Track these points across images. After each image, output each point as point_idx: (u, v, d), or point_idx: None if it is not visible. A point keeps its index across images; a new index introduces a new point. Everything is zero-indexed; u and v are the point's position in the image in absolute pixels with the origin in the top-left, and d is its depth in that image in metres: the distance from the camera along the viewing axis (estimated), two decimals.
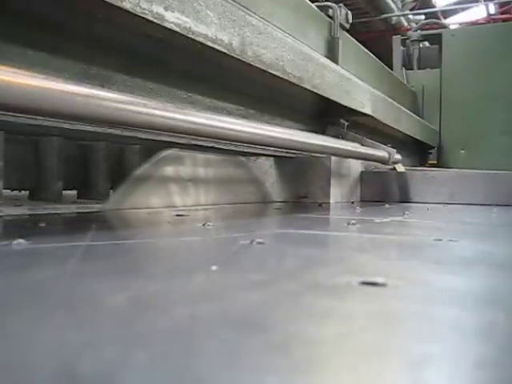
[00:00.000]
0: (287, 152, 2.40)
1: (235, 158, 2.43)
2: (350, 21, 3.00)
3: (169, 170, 2.01)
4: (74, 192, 2.44)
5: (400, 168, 3.15)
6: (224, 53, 1.58)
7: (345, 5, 3.04)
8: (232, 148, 2.05)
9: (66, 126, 1.45)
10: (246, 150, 2.28)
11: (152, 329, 0.44)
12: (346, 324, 0.47)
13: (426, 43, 5.98)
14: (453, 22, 9.72)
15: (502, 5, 9.22)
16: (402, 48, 5.64)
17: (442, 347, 0.42)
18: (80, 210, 1.85)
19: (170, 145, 1.96)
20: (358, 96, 2.73)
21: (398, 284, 0.64)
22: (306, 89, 2.18)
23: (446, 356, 0.40)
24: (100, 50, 1.43)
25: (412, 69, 5.55)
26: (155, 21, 1.29)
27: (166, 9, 1.31)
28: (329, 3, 2.96)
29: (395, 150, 3.01)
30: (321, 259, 0.89)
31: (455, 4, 10.43)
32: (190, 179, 2.10)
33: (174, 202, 2.00)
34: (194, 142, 1.87)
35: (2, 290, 0.58)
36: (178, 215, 1.64)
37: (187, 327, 0.45)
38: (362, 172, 3.05)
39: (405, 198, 2.95)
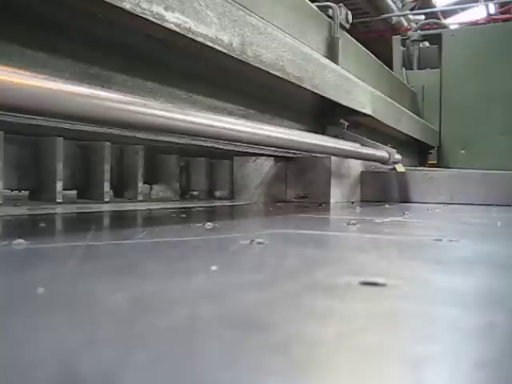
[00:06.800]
0: (287, 152, 2.40)
1: None
2: (350, 21, 3.00)
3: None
4: (74, 192, 2.44)
5: (400, 168, 3.15)
6: (224, 53, 1.57)
7: (345, 5, 3.04)
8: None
9: (66, 125, 1.45)
10: (246, 150, 2.28)
11: (152, 329, 0.43)
12: (346, 324, 0.47)
13: (426, 43, 5.98)
14: (453, 22, 9.71)
15: (502, 5, 9.20)
16: (402, 48, 5.64)
17: (442, 347, 0.42)
18: (80, 211, 1.85)
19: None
20: (358, 96, 2.73)
21: (397, 284, 0.64)
22: (306, 89, 2.17)
23: (446, 356, 0.40)
24: (100, 50, 1.43)
25: (412, 69, 5.55)
26: (155, 21, 1.29)
27: (166, 9, 1.31)
28: (329, 3, 2.96)
29: (395, 150, 3.01)
30: (321, 259, 0.89)
31: (455, 4, 10.41)
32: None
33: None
34: (193, 143, 1.88)
35: (1, 290, 0.58)
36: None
37: (187, 327, 0.45)
38: (361, 172, 3.05)
39: (405, 198, 2.95)
